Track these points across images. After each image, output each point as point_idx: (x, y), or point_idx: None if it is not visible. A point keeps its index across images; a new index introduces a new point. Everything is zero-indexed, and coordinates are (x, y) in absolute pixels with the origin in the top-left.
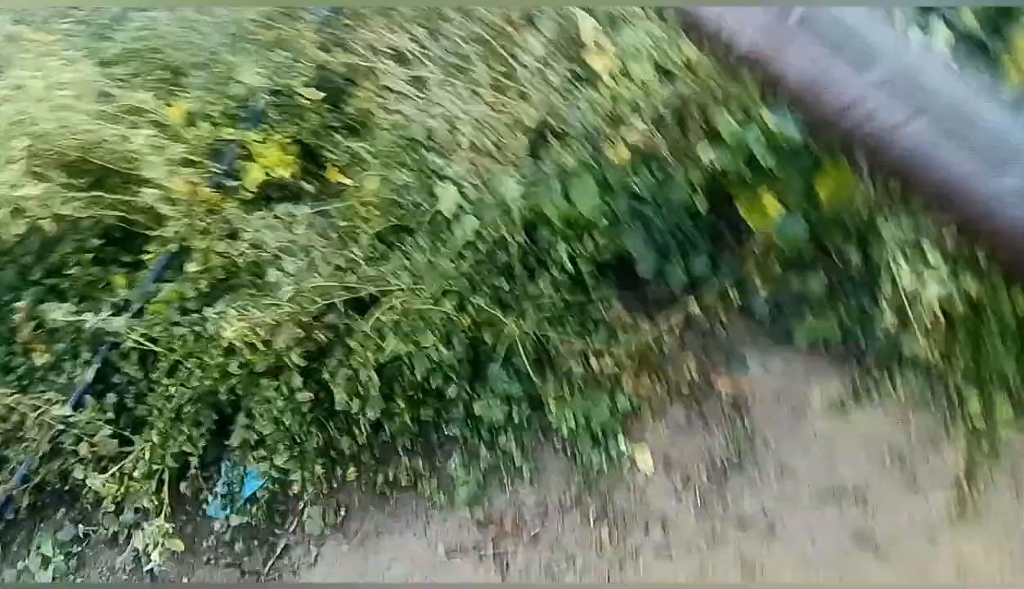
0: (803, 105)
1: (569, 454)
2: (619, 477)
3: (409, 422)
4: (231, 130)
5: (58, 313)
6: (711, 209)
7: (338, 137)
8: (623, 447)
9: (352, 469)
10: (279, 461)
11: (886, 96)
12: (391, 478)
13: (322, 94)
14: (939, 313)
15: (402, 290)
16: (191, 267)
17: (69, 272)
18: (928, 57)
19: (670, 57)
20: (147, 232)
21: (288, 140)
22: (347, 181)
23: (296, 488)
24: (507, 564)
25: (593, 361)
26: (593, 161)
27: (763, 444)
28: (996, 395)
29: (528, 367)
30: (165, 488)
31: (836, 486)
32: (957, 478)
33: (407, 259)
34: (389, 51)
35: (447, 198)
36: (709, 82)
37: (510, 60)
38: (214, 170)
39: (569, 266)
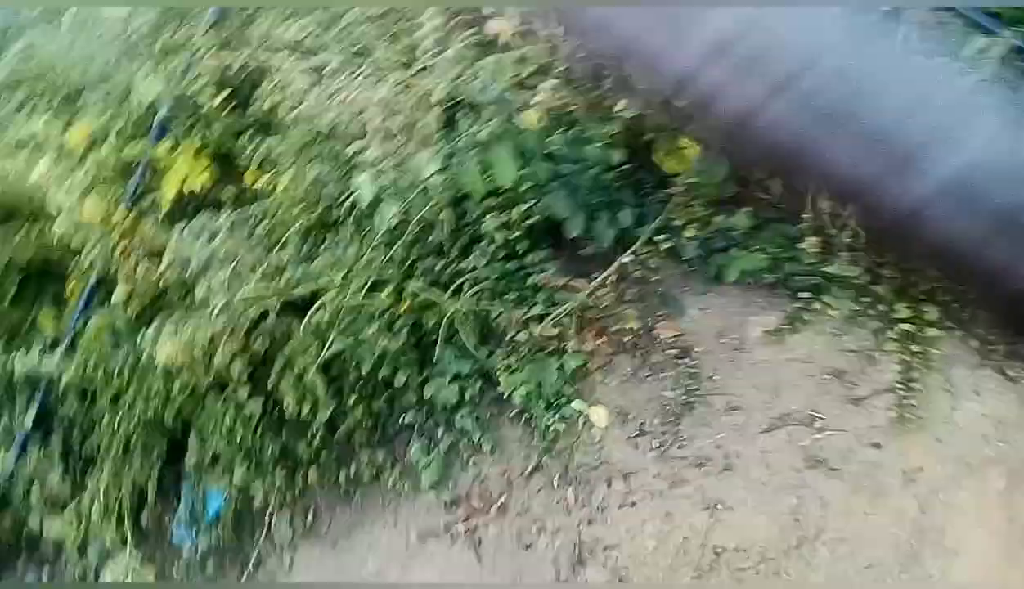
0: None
1: (525, 421)
2: (576, 436)
3: (362, 417)
4: (137, 146)
5: None
6: (632, 159)
7: (248, 139)
8: (576, 406)
9: (312, 472)
10: (238, 476)
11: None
12: (353, 474)
13: (225, 97)
14: (859, 229)
15: (335, 286)
16: (117, 294)
17: None
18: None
19: None
20: (67, 264)
21: (198, 148)
22: (263, 183)
23: (259, 500)
24: (479, 539)
25: (535, 327)
26: (507, 129)
27: (709, 382)
28: (921, 300)
29: (472, 344)
30: (126, 522)
31: (783, 412)
32: (894, 387)
33: (335, 254)
34: (286, 45)
35: (364, 187)
36: None
37: (409, 37)
38: (126, 190)
39: (499, 237)
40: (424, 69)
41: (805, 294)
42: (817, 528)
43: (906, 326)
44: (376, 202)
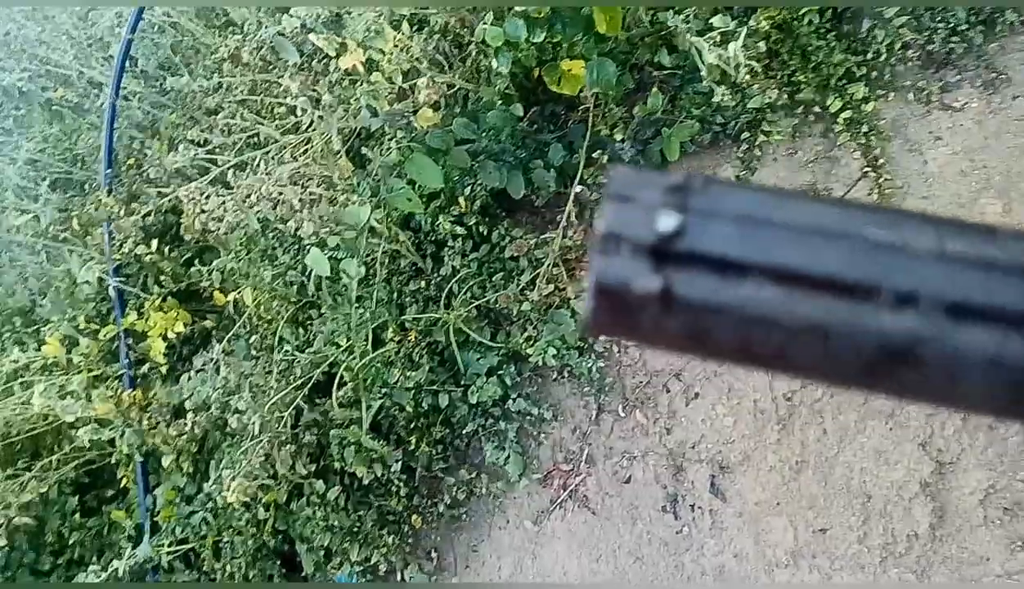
0: None
1: (568, 376)
2: (617, 364)
3: (430, 449)
4: (109, 326)
5: (91, 579)
6: (533, 100)
7: (197, 266)
8: (604, 340)
9: (415, 517)
10: (354, 555)
11: None
12: (450, 501)
13: (158, 242)
14: (748, 61)
15: (342, 355)
16: (165, 462)
17: (71, 541)
18: None
19: (401, 12)
20: (109, 459)
21: (162, 299)
22: (234, 299)
23: (384, 566)
24: (584, 496)
25: (532, 293)
26: (411, 137)
27: None
28: (843, 86)
29: (487, 337)
30: None
31: None
32: (865, 172)
33: (328, 326)
34: (182, 171)
35: (318, 260)
36: (452, 4)
37: (281, 105)
38: (121, 372)
39: (459, 231)
40: (311, 125)
41: (746, 135)
42: None
43: (845, 114)
44: (336, 266)
